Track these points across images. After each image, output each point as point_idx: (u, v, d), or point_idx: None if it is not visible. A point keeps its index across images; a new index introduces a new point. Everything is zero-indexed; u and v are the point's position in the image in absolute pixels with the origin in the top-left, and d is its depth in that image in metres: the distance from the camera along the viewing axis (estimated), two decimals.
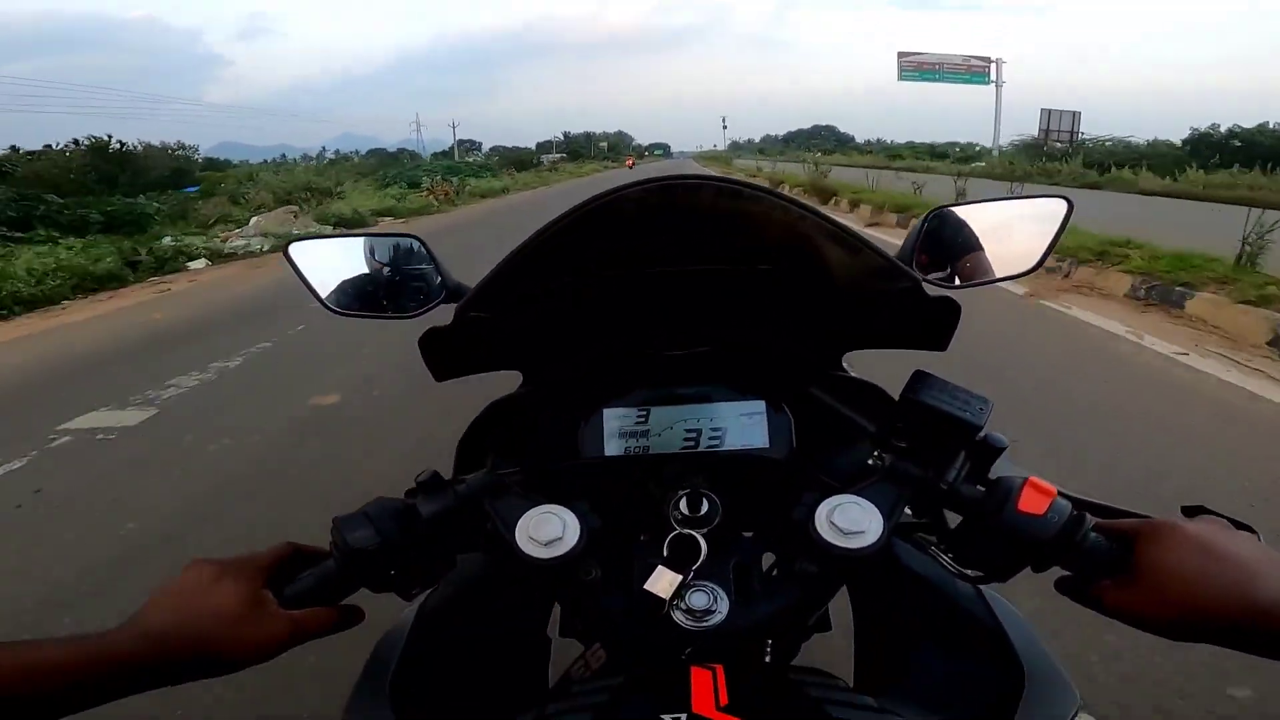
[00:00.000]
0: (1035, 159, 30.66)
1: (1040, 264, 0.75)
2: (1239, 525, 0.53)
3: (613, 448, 0.74)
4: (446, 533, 0.60)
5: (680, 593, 0.55)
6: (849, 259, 0.60)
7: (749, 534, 0.67)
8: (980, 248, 0.75)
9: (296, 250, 0.75)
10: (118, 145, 27.94)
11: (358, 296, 0.76)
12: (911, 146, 54.59)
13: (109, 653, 0.47)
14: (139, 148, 31.65)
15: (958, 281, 0.74)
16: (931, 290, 0.62)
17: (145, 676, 0.48)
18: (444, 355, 0.70)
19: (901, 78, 45.56)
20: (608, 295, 0.72)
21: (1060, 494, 0.54)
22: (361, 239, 0.77)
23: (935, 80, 45.42)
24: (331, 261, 0.76)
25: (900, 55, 44.67)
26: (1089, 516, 0.53)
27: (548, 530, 0.56)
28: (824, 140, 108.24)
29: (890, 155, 49.53)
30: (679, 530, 0.59)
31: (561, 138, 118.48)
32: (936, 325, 0.66)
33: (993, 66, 44.59)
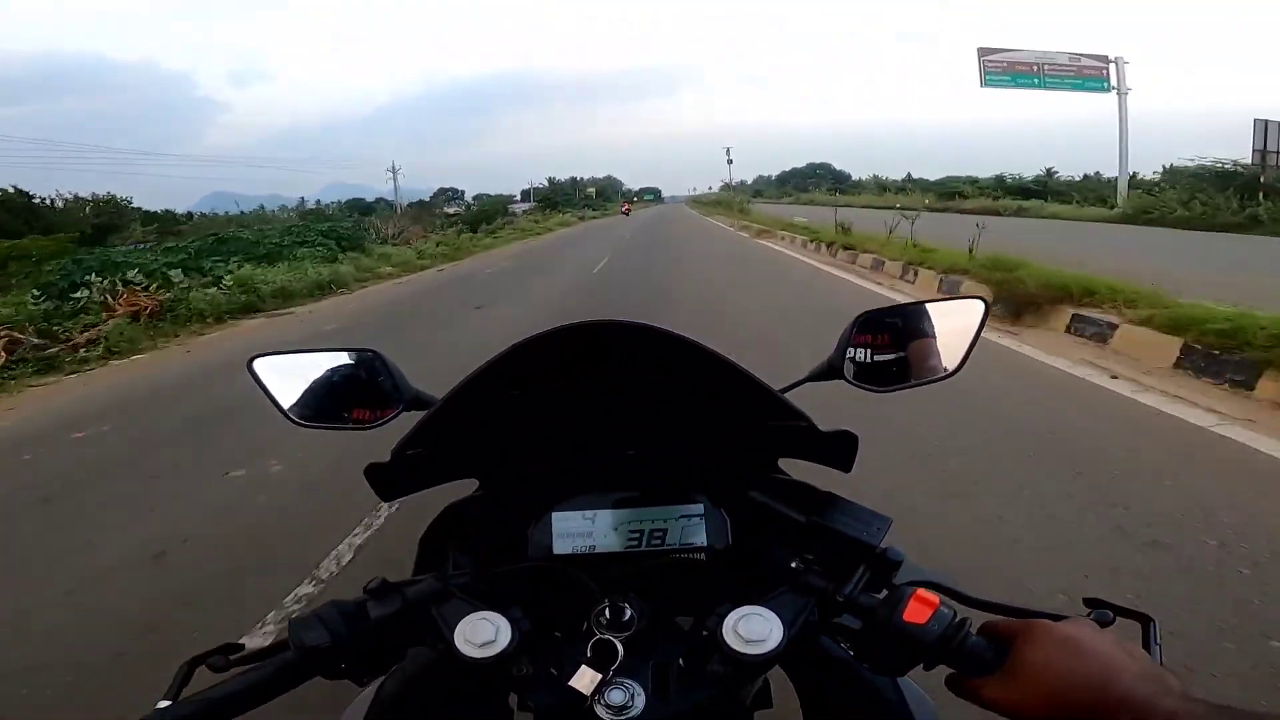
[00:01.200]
0: (1241, 193, 18.80)
1: (959, 368, 0.80)
2: (1133, 615, 0.60)
3: (561, 546, 0.79)
4: (395, 632, 0.66)
5: (601, 689, 0.61)
6: (752, 394, 0.68)
7: (686, 619, 0.73)
8: (905, 350, 0.81)
9: (260, 365, 0.81)
10: (21, 196, 25.61)
11: (320, 408, 0.81)
12: (974, 181, 43.29)
13: None
14: (58, 200, 28.67)
15: (882, 383, 0.80)
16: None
17: None
18: (391, 480, 0.75)
19: (986, 84, 30.40)
20: (553, 405, 0.77)
21: (943, 602, 0.60)
22: (323, 353, 0.82)
23: (1033, 87, 30.72)
24: (293, 374, 0.81)
25: (982, 54, 29.95)
26: (969, 621, 0.60)
27: (482, 634, 0.62)
28: (822, 179, 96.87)
29: (945, 194, 39.58)
30: (598, 635, 0.66)
31: (546, 184, 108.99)
32: (839, 450, 0.74)
33: (1112, 68, 29.96)
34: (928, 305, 0.83)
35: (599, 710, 0.61)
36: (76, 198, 32.04)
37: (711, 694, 0.63)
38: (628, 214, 60.21)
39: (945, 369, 0.81)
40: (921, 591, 0.60)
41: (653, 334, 0.64)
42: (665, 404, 0.78)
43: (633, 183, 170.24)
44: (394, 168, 76.69)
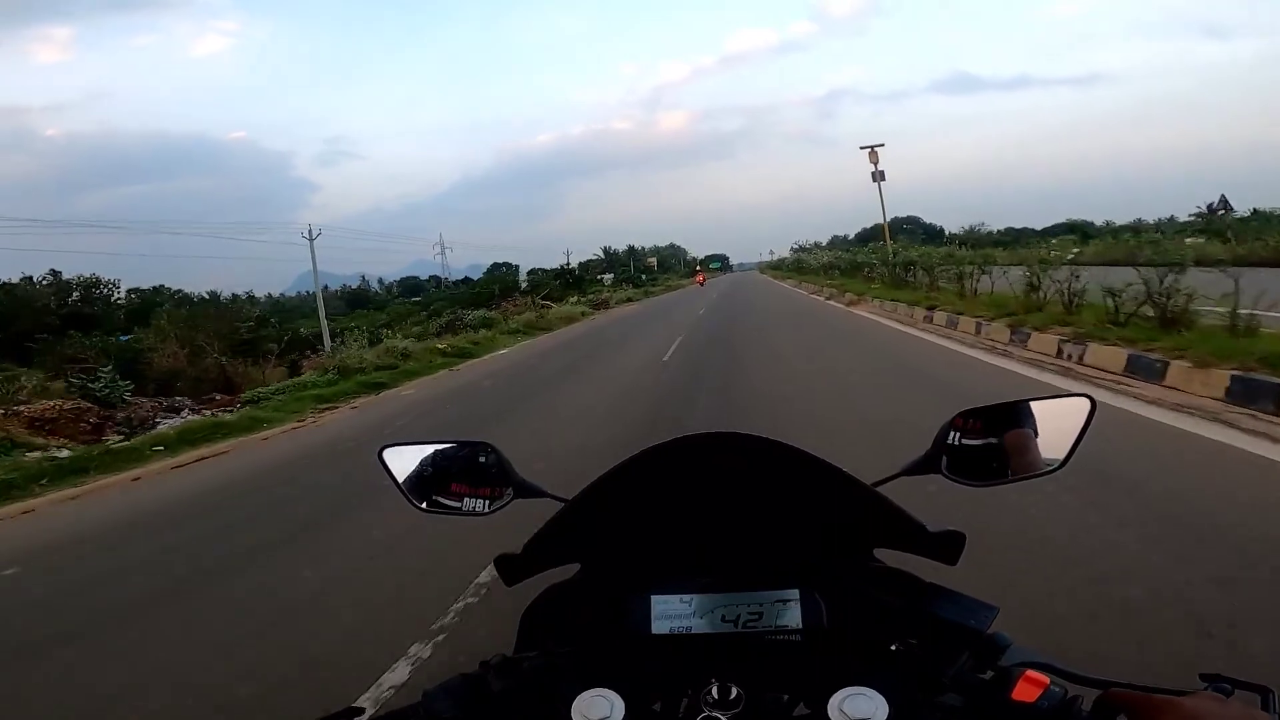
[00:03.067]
0: None
1: (1063, 464, 0.79)
2: (1251, 687, 0.58)
3: (659, 627, 0.81)
4: (515, 705, 0.71)
5: None
6: (866, 499, 0.74)
7: (785, 696, 0.75)
8: (1005, 446, 0.81)
9: (390, 454, 0.88)
10: None
11: (440, 494, 0.88)
12: (1111, 228, 36.24)
13: None
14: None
15: (980, 479, 0.80)
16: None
17: None
18: (515, 567, 0.83)
19: None
20: (656, 494, 0.81)
21: (1054, 681, 0.61)
22: (441, 445, 0.90)
23: None
24: (417, 463, 0.89)
25: None
26: (1080, 699, 0.60)
27: (598, 709, 0.67)
28: (911, 234, 73.58)
29: (1080, 236, 32.88)
30: (708, 713, 0.69)
31: (601, 255, 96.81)
32: (948, 545, 0.77)
33: None
34: (1031, 403, 0.83)
35: None
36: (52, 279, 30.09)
37: None
38: (702, 284, 59.30)
39: (1048, 465, 0.80)
40: (1031, 672, 0.61)
41: (766, 446, 0.72)
42: (765, 497, 0.81)
43: (697, 251, 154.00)
44: (441, 242, 68.01)
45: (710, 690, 0.71)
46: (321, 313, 32.20)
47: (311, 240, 32.89)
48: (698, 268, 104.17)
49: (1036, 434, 0.81)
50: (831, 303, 21.06)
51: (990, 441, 0.81)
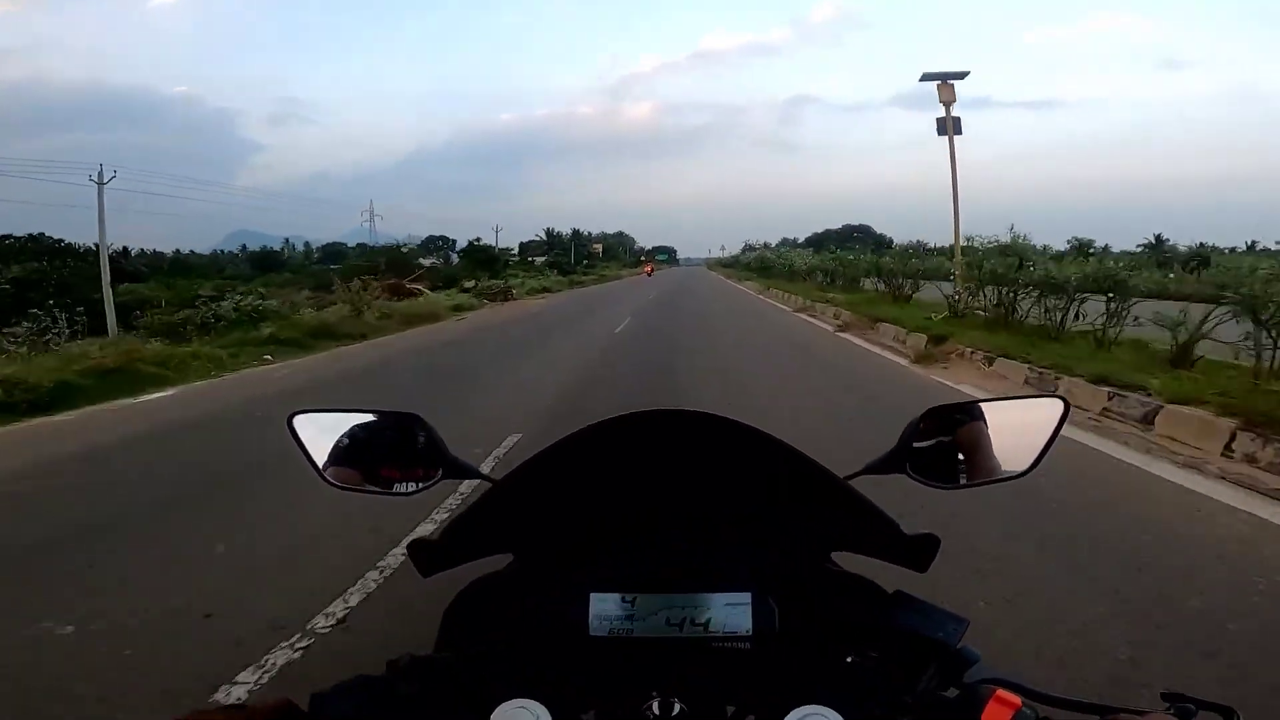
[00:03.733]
0: None
1: (1032, 468, 0.75)
2: (1215, 708, 0.57)
3: (597, 628, 0.74)
4: (424, 713, 0.61)
5: None
6: (831, 496, 0.66)
7: (731, 710, 0.69)
8: (974, 447, 0.76)
9: (300, 421, 0.77)
10: None
11: (357, 470, 0.78)
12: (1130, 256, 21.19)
13: None
14: None
15: (947, 480, 0.76)
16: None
17: None
18: (433, 556, 0.73)
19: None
20: (597, 481, 0.73)
21: (1026, 703, 0.56)
22: (362, 413, 0.79)
23: None
24: (332, 433, 0.78)
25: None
26: None
27: None
28: (860, 242, 69.85)
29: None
30: None
31: (543, 236, 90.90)
32: (918, 551, 0.71)
33: None
34: (1000, 402, 0.79)
35: None
36: None
37: None
38: (650, 275, 59.46)
39: (1016, 470, 0.76)
40: (1002, 692, 0.57)
41: (726, 427, 0.63)
42: (716, 488, 0.74)
43: (645, 241, 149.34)
44: (370, 209, 65.08)
45: (651, 705, 0.64)
46: (105, 280, 23.31)
47: (101, 184, 25.52)
48: (642, 258, 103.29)
49: (1003, 436, 0.77)
50: (854, 341, 11.42)
51: (955, 442, 0.77)
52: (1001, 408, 0.79)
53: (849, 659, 0.66)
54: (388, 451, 0.79)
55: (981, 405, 0.78)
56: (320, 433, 0.78)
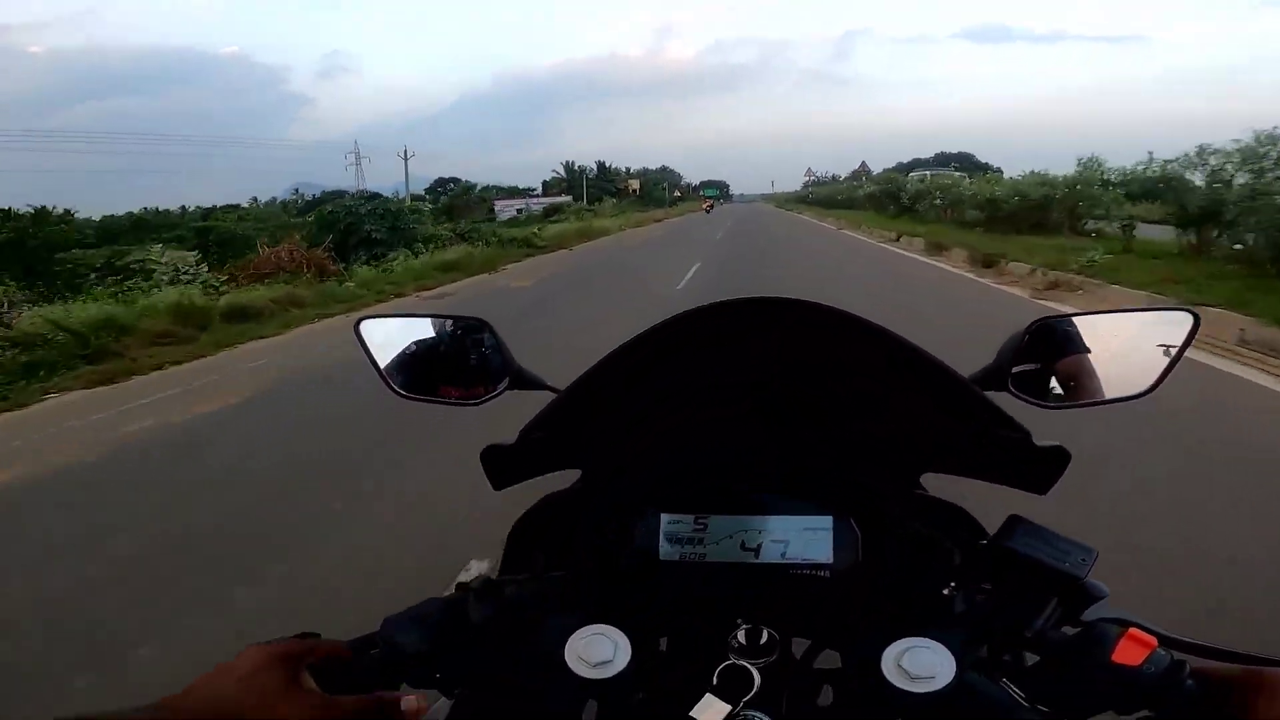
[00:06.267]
0: None
1: (1154, 388, 0.67)
2: None
3: (667, 552, 0.71)
4: (496, 639, 0.60)
5: None
6: (950, 400, 0.58)
7: (807, 642, 0.65)
8: (1086, 364, 0.69)
9: (366, 328, 0.76)
10: None
11: (422, 378, 0.77)
12: None
13: None
14: None
15: (1055, 400, 0.69)
16: (1042, 437, 0.59)
17: None
18: (505, 466, 0.70)
19: None
20: (673, 393, 0.70)
21: (1162, 644, 0.51)
22: (429, 319, 0.78)
23: None
24: (398, 340, 0.77)
25: None
26: (1187, 664, 0.50)
27: (599, 652, 0.55)
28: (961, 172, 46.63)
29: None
30: (732, 660, 0.58)
31: (561, 173, 72.19)
32: (1039, 470, 0.62)
33: None
34: (1118, 315, 0.71)
35: None
36: None
37: None
38: (709, 212, 55.93)
39: (1136, 389, 0.68)
40: (1136, 631, 0.50)
41: (818, 312, 0.55)
42: (801, 390, 0.69)
43: (692, 177, 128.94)
44: (356, 151, 52.85)
45: (737, 634, 0.60)
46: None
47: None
48: (703, 193, 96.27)
49: (1122, 353, 0.69)
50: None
51: (1066, 358, 0.69)
52: (1120, 320, 0.71)
53: (944, 591, 0.60)
54: (454, 359, 0.77)
55: (1097, 318, 0.70)
56: (387, 339, 0.77)
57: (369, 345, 0.76)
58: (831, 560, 0.68)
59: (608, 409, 0.69)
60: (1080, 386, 0.69)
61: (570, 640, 0.56)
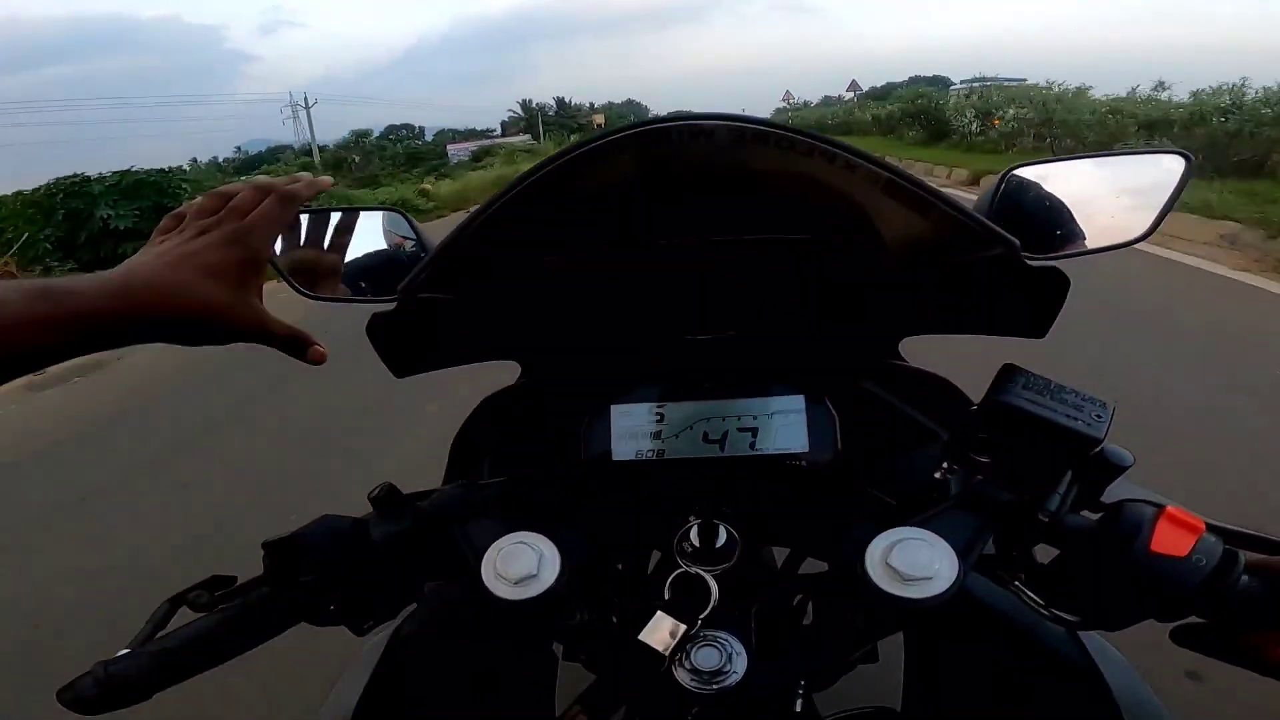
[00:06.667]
0: None
1: (1152, 230, 0.61)
2: None
3: (622, 450, 0.64)
4: (407, 558, 0.51)
5: (684, 646, 0.45)
6: (920, 222, 0.47)
7: (780, 549, 0.59)
8: (1070, 214, 0.62)
9: None
10: None
11: (331, 277, 0.67)
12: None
13: (83, 305, 0.40)
14: None
15: (1052, 248, 0.62)
16: (1032, 259, 0.49)
17: (119, 330, 0.42)
18: (404, 344, 0.59)
19: None
20: (613, 272, 0.61)
21: (1208, 526, 0.42)
22: (336, 212, 0.68)
23: None
24: (301, 238, 0.67)
25: None
26: (1241, 556, 0.41)
27: (519, 565, 0.46)
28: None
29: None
30: (684, 568, 0.49)
31: (519, 112, 67.79)
32: (1034, 304, 0.53)
33: None
34: (1103, 158, 0.65)
35: (680, 675, 0.45)
36: None
37: (841, 656, 0.47)
38: None
39: (1129, 236, 0.62)
40: (1175, 510, 0.41)
41: (773, 135, 0.42)
42: (753, 268, 0.60)
43: (659, 109, 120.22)
44: (292, 101, 46.59)
45: (689, 534, 0.51)
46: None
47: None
48: None
49: (1113, 197, 0.63)
50: None
51: (1051, 205, 0.63)
52: (1104, 164, 0.65)
53: (940, 474, 0.50)
54: (367, 255, 0.68)
55: (1079, 162, 0.63)
56: (286, 237, 0.67)
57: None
58: (806, 449, 0.61)
59: (537, 291, 0.60)
60: (1066, 237, 0.62)
61: (486, 554, 0.47)
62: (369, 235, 0.68)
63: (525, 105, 71.04)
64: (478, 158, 34.57)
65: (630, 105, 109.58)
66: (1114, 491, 0.46)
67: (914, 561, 0.42)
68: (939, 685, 0.61)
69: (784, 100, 47.18)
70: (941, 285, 0.56)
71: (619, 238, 0.55)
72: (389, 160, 34.49)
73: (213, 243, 0.45)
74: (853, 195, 0.46)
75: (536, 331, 0.66)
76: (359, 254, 0.68)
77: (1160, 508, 0.42)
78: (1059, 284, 0.50)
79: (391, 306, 0.58)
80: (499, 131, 65.37)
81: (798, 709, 0.56)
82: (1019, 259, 0.47)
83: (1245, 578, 0.41)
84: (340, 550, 0.48)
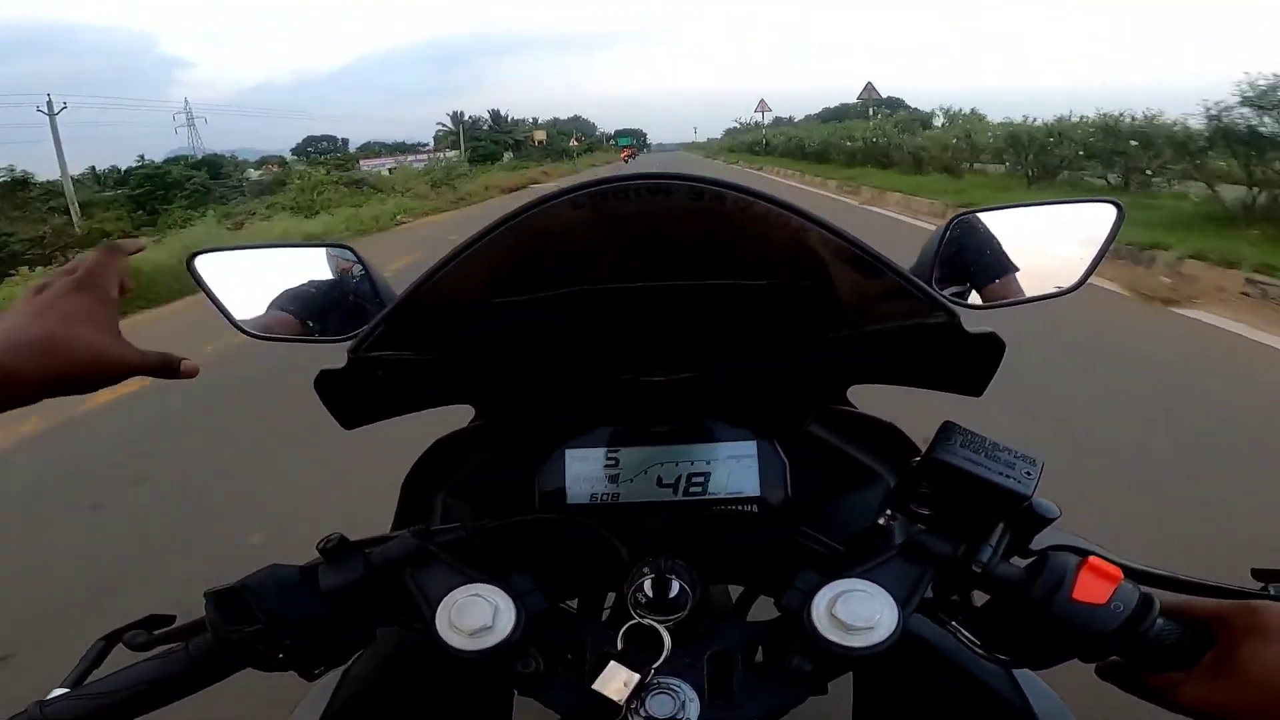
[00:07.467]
0: None
1: (1082, 282, 0.64)
2: None
3: (576, 494, 0.64)
4: (357, 609, 0.50)
5: (639, 694, 0.45)
6: (869, 284, 0.49)
7: (734, 588, 0.61)
8: (1010, 262, 0.65)
9: (203, 263, 0.64)
10: None
11: (278, 317, 0.65)
12: None
13: None
14: None
15: (979, 301, 0.64)
16: (972, 325, 0.51)
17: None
18: (353, 398, 0.58)
19: None
20: (567, 313, 0.61)
21: (1125, 572, 0.45)
22: (282, 249, 0.67)
23: None
24: (246, 276, 0.65)
25: None
26: (1156, 601, 0.44)
27: (474, 617, 0.45)
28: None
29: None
30: (637, 619, 0.49)
31: (448, 125, 66.38)
32: (972, 365, 0.55)
33: None
34: (1039, 208, 0.67)
35: None
36: None
37: (790, 698, 0.48)
38: (629, 160, 53.80)
39: (1060, 286, 0.65)
40: (1096, 560, 0.44)
41: (730, 195, 0.44)
42: (706, 313, 0.61)
43: (607, 126, 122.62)
44: (187, 109, 47.58)
45: (641, 585, 0.51)
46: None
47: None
48: (618, 142, 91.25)
49: (1047, 247, 0.65)
50: None
51: (992, 253, 0.65)
52: (1041, 213, 0.67)
53: (883, 520, 0.52)
54: (315, 293, 0.66)
55: (1017, 210, 0.66)
56: (231, 273, 0.65)
57: (206, 282, 0.64)
58: (758, 492, 0.63)
59: (494, 335, 0.59)
60: (1004, 285, 0.65)
61: (439, 607, 0.46)
62: (316, 272, 0.67)
63: (455, 118, 69.05)
64: (271, 188, 28.43)
65: (576, 120, 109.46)
66: (1042, 539, 0.49)
67: (857, 613, 0.44)
68: (886, 718, 0.63)
69: (757, 112, 43.69)
70: (887, 341, 0.58)
71: (573, 281, 0.55)
72: (188, 195, 30.19)
73: (67, 289, 0.49)
74: (807, 251, 0.48)
75: (490, 376, 0.65)
76: (306, 292, 0.66)
77: (1084, 557, 0.44)
78: (995, 348, 0.52)
79: (340, 348, 0.57)
80: (431, 145, 63.92)
81: None
82: (958, 328, 0.49)
83: (1160, 621, 0.44)
84: (288, 601, 0.48)
